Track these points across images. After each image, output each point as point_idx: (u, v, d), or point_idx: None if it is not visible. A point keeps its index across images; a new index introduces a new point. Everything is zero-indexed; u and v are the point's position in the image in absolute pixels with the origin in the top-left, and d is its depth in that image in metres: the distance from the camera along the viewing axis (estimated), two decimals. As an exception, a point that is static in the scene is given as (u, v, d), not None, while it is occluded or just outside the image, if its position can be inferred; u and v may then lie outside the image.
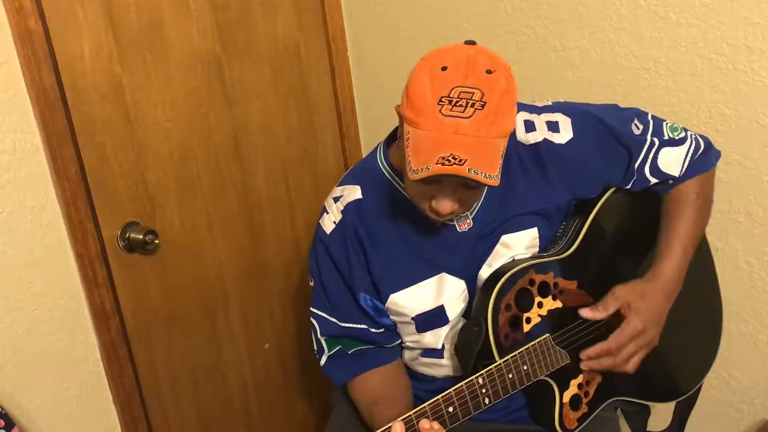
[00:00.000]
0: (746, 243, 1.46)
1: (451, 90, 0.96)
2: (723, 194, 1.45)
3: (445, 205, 1.03)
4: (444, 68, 0.98)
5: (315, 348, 1.27)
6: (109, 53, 1.39)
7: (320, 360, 1.26)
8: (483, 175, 0.94)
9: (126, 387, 1.49)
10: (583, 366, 1.16)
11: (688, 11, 1.38)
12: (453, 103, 0.96)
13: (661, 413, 1.37)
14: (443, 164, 0.93)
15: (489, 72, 0.98)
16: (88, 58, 1.36)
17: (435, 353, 1.22)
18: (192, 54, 1.54)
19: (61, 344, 1.38)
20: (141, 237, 1.45)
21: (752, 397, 1.55)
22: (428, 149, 0.95)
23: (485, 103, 0.96)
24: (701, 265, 1.30)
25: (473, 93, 0.96)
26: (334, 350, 1.24)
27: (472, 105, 0.95)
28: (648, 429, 1.33)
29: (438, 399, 1.01)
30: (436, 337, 1.21)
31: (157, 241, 1.47)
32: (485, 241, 1.18)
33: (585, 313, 1.14)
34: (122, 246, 1.45)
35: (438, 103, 0.96)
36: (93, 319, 1.42)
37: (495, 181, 0.95)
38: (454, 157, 0.93)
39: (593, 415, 1.19)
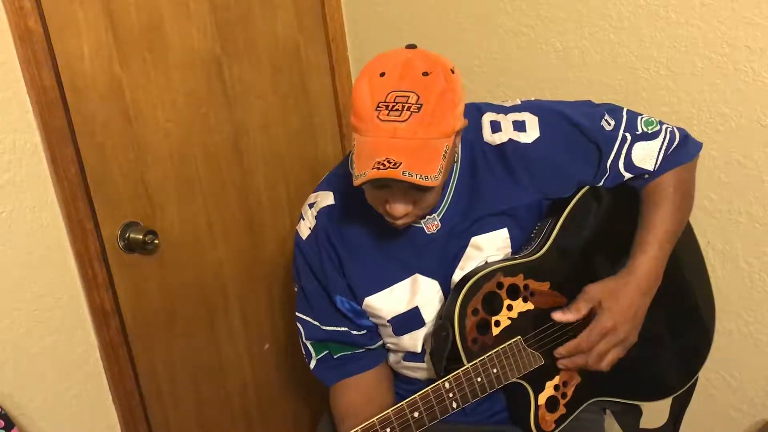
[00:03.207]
0: (746, 243, 1.46)
1: (388, 95, 0.97)
2: (723, 194, 1.45)
3: (397, 208, 1.04)
4: (382, 74, 0.99)
5: (303, 352, 1.28)
6: (108, 53, 1.39)
7: (309, 363, 1.27)
8: (418, 176, 0.94)
9: (126, 387, 1.49)
10: (558, 364, 1.16)
11: (688, 11, 1.38)
12: (389, 108, 0.97)
13: (658, 411, 1.36)
14: (378, 169, 0.94)
15: (425, 74, 0.98)
16: (87, 58, 1.36)
17: (416, 357, 1.23)
18: (192, 54, 1.54)
19: (61, 344, 1.38)
20: (141, 237, 1.45)
21: (752, 397, 1.55)
22: (367, 155, 0.97)
23: (421, 105, 0.96)
24: (690, 260, 1.29)
25: (409, 96, 0.97)
26: (322, 354, 1.25)
27: (408, 108, 0.96)
28: (642, 427, 1.32)
29: (402, 404, 1.01)
30: (414, 340, 1.20)
31: (156, 241, 1.47)
32: (456, 242, 1.17)
33: (557, 316, 1.14)
34: (122, 246, 1.45)
35: (376, 109, 0.97)
36: (93, 319, 1.42)
37: (433, 182, 0.96)
38: (389, 161, 0.94)
39: (573, 416, 1.18)
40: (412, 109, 0.96)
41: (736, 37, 1.34)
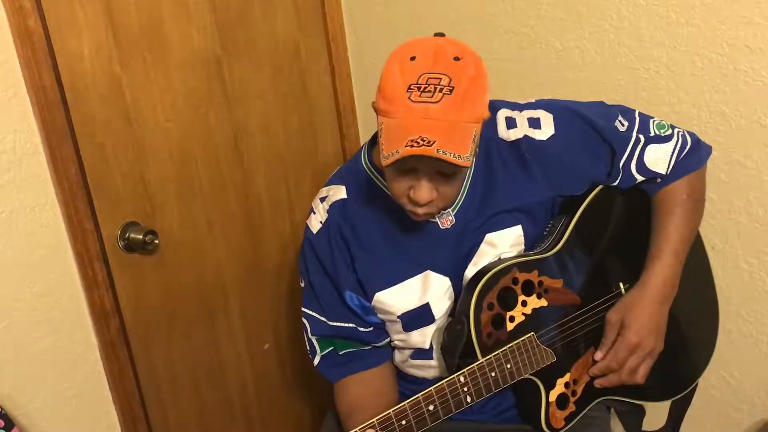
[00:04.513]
0: (746, 243, 1.46)
1: (420, 77, 0.98)
2: (723, 194, 1.45)
3: (422, 193, 1.03)
4: (413, 58, 0.99)
5: (307, 348, 1.28)
6: (108, 53, 1.39)
7: (314, 360, 1.27)
8: (452, 155, 0.94)
9: (126, 387, 1.49)
10: (596, 384, 1.17)
11: (688, 11, 1.38)
12: (422, 89, 0.97)
13: (657, 413, 1.37)
14: (412, 146, 0.94)
15: (457, 59, 0.99)
16: (87, 58, 1.36)
17: (424, 354, 1.23)
18: (192, 54, 1.54)
19: (61, 344, 1.38)
20: (141, 237, 1.45)
21: (752, 397, 1.55)
22: (399, 134, 0.96)
23: (453, 87, 0.97)
24: (695, 264, 1.29)
25: (441, 78, 0.97)
26: (327, 351, 1.25)
27: (441, 90, 0.97)
28: (643, 429, 1.33)
29: (418, 397, 1.01)
30: (423, 337, 1.21)
31: (156, 241, 1.47)
32: (469, 238, 1.18)
33: (598, 356, 1.17)
34: (122, 246, 1.45)
35: (407, 91, 0.97)
36: (93, 319, 1.42)
37: (466, 162, 0.95)
38: (422, 139, 0.94)
39: (582, 414, 1.18)
40: (444, 91, 0.97)
41: (736, 37, 1.34)
